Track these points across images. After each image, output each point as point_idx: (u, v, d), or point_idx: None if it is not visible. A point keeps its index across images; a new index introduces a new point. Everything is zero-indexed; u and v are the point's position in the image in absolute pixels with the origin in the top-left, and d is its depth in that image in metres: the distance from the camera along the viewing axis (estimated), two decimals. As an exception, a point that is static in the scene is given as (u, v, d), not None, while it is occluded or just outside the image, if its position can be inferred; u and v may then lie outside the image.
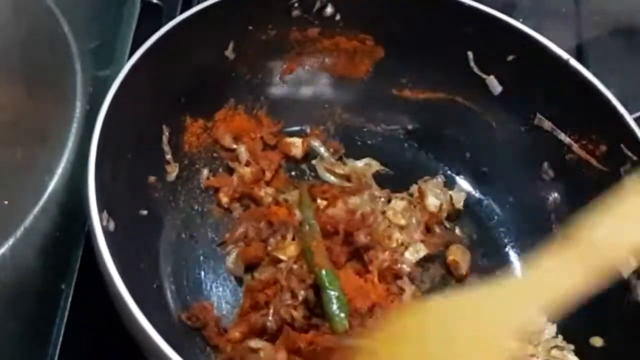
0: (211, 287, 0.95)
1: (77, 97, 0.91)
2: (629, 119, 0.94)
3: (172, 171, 0.99)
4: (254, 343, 0.88)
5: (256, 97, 1.08)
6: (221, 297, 0.95)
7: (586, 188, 0.99)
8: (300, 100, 1.11)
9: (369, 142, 1.12)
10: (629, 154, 0.94)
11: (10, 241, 0.75)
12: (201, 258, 0.97)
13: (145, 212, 0.93)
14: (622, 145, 0.94)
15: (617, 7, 1.32)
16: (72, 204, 0.85)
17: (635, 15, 1.30)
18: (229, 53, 1.02)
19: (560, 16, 1.31)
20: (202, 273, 0.96)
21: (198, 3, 0.99)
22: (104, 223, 0.78)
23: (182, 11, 1.01)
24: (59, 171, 0.86)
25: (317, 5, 1.04)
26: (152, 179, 0.95)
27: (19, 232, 0.77)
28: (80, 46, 0.89)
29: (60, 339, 0.89)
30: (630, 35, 1.26)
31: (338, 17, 1.05)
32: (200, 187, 1.02)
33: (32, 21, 0.77)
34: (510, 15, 1.02)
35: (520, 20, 1.01)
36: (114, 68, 0.89)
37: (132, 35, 1.12)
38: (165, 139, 0.97)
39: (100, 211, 0.77)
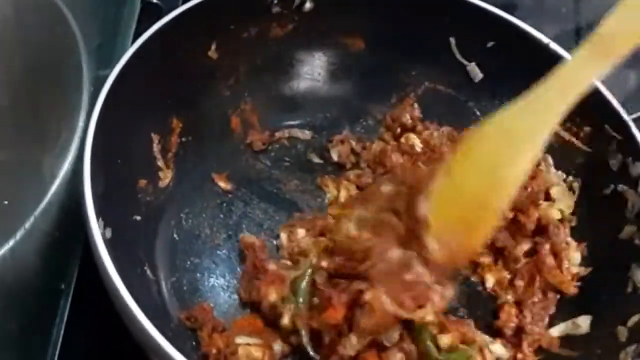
0: (209, 288, 0.95)
1: (83, 97, 0.92)
2: (612, 99, 0.95)
3: (165, 177, 0.99)
4: (241, 339, 0.88)
5: (241, 96, 1.08)
6: (219, 297, 0.95)
7: (572, 170, 1.01)
8: (286, 97, 1.12)
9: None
10: (614, 133, 0.95)
11: (11, 242, 0.76)
12: (197, 260, 0.97)
13: (139, 218, 0.93)
14: (606, 126, 0.96)
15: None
16: (73, 204, 0.85)
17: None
18: (212, 53, 1.03)
19: (560, 16, 1.32)
20: (199, 275, 0.96)
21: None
22: (101, 231, 0.78)
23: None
24: (62, 172, 0.87)
25: (297, 0, 1.05)
26: (142, 182, 0.95)
27: (19, 233, 0.77)
28: (86, 46, 0.90)
29: (60, 339, 0.89)
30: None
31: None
32: (193, 189, 1.02)
33: (42, 20, 0.78)
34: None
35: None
36: (113, 67, 0.90)
37: (132, 34, 1.14)
38: (155, 146, 0.97)
39: (97, 220, 0.78)
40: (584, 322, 0.92)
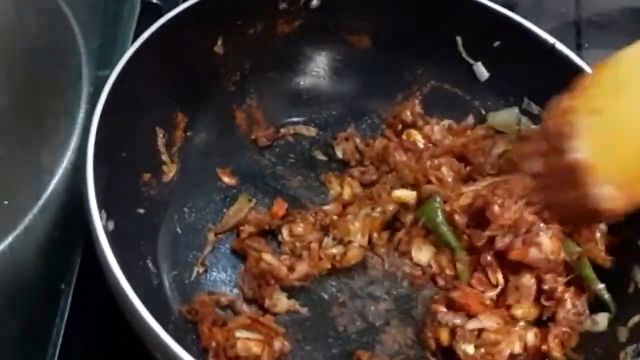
0: (211, 282, 0.95)
1: (82, 97, 0.92)
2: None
3: (169, 171, 0.99)
4: (241, 333, 0.88)
5: (246, 92, 1.08)
6: (221, 291, 0.94)
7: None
8: (292, 94, 1.12)
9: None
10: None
11: (9, 239, 0.76)
12: (199, 254, 0.97)
13: (142, 211, 0.93)
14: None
15: (616, 7, 1.33)
16: (72, 203, 0.85)
17: (635, 15, 1.32)
18: (218, 48, 1.02)
19: (560, 16, 1.32)
20: (201, 269, 0.96)
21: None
22: (104, 223, 0.79)
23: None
24: (60, 170, 0.87)
25: (304, -4, 1.05)
26: (146, 176, 0.95)
27: (18, 231, 0.77)
28: (86, 45, 0.90)
29: (60, 339, 0.89)
30: (630, 36, 1.26)
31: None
32: (197, 184, 1.02)
33: (42, 20, 0.78)
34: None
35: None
36: (113, 67, 0.90)
37: (132, 34, 1.13)
38: (160, 140, 0.97)
39: (99, 211, 0.78)
40: (602, 320, 0.91)
